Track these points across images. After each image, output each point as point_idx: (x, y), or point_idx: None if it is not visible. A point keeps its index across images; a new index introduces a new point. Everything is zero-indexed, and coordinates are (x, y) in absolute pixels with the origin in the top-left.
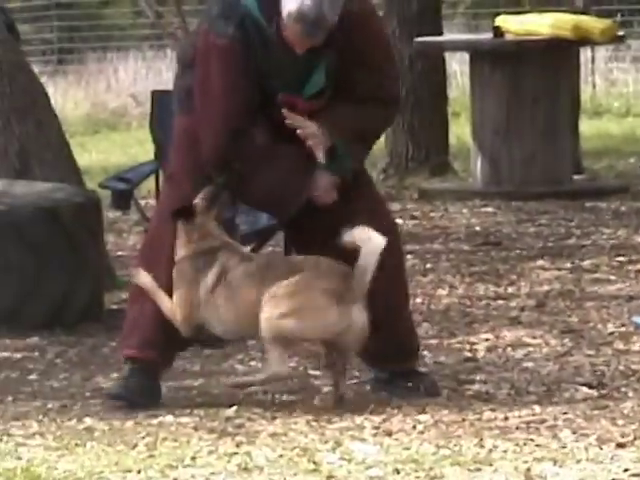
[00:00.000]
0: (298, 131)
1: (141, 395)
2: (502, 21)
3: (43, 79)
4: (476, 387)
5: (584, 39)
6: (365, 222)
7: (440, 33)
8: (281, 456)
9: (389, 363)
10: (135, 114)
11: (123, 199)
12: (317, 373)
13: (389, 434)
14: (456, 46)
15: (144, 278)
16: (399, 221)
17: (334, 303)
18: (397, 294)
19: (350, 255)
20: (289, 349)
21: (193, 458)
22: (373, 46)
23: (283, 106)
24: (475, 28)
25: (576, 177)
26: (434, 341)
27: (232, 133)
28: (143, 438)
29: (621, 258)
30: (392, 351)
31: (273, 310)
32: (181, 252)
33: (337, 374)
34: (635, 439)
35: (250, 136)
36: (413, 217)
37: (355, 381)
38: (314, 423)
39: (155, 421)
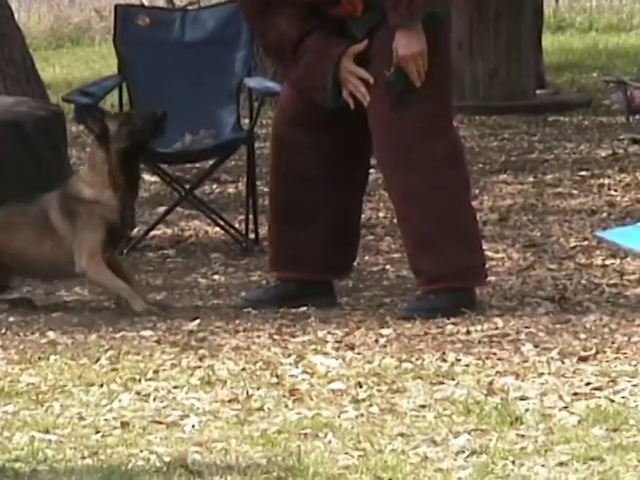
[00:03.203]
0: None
1: None
2: None
3: None
4: None
5: None
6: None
7: None
8: (244, 369)
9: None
10: (98, 29)
11: (87, 113)
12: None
13: (351, 348)
14: None
15: None
16: None
17: None
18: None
19: None
20: None
21: (156, 372)
22: None
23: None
24: None
25: (539, 92)
26: (397, 255)
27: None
28: (106, 352)
29: (583, 172)
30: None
31: None
32: None
33: None
34: (597, 353)
35: (282, 29)
36: None
37: None
38: (277, 337)
39: (118, 335)
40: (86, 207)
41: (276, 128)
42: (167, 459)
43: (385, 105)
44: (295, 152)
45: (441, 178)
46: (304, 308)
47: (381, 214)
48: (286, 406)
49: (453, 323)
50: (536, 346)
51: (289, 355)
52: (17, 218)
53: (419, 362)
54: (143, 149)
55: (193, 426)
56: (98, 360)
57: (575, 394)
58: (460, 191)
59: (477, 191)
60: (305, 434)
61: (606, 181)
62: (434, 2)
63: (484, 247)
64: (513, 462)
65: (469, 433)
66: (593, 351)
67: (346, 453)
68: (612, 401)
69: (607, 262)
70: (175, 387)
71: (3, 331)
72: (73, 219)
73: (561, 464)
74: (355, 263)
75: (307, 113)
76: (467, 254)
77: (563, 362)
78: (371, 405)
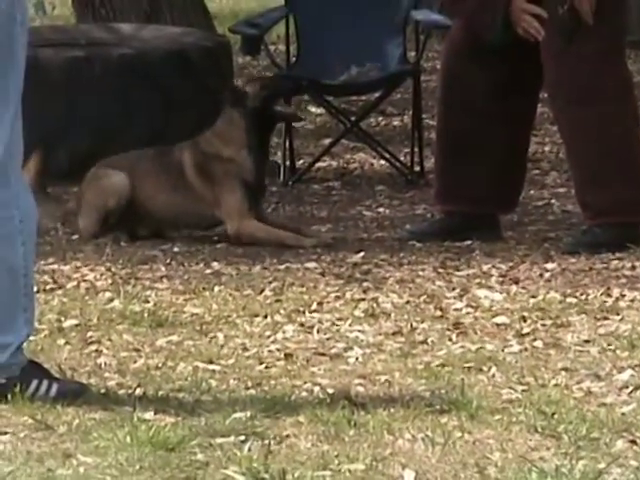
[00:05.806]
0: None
1: None
2: None
3: None
4: None
5: None
6: None
7: None
8: (408, 302)
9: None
10: None
11: (253, 44)
12: None
13: (516, 282)
14: None
15: None
16: None
17: None
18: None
19: None
20: None
21: (320, 303)
22: None
23: None
24: None
25: None
26: (562, 189)
27: None
28: (270, 283)
29: None
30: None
31: None
32: None
33: None
34: None
35: None
36: None
37: None
38: (441, 270)
39: (282, 266)
40: (222, 166)
41: (446, 61)
42: (330, 391)
43: (558, 40)
44: (464, 85)
45: (612, 113)
46: (469, 242)
47: (547, 148)
48: (450, 339)
49: (618, 258)
50: None
51: (453, 288)
52: (151, 165)
53: (583, 297)
54: (277, 113)
55: (357, 358)
56: (262, 291)
57: None
58: (630, 126)
59: None
60: (469, 367)
61: None
62: None
63: None
64: None
65: (633, 368)
66: None
67: (510, 387)
68: None
69: None
70: (339, 319)
71: (168, 261)
72: (209, 176)
73: None
74: (520, 197)
75: (478, 46)
76: (635, 189)
77: None
78: (535, 339)
